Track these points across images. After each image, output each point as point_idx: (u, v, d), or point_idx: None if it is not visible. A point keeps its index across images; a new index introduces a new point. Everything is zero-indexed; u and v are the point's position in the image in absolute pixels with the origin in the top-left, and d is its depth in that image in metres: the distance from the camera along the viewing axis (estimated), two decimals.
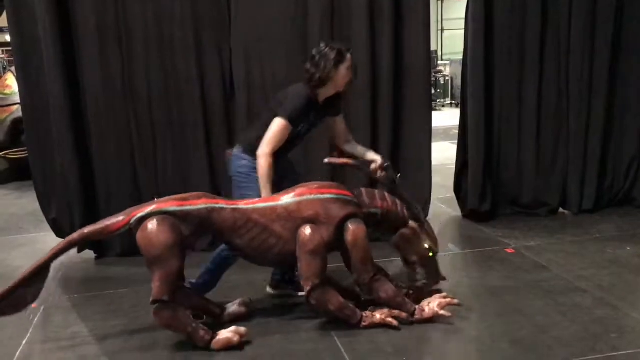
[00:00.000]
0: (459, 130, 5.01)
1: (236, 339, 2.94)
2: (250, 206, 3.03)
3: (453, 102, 14.50)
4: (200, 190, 3.16)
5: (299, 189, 3.09)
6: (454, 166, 5.11)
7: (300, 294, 3.30)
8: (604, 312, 3.22)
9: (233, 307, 3.27)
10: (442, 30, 19.64)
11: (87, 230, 2.95)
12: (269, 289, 3.62)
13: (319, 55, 3.23)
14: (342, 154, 3.48)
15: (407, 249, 3.23)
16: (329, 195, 3.06)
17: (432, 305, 3.14)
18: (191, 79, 4.31)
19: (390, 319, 3.09)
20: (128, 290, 3.77)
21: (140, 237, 2.84)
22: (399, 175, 3.44)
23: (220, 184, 4.33)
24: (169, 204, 2.90)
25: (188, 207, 2.90)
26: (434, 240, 3.27)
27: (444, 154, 6.93)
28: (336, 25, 4.37)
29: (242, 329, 3.00)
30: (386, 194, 3.22)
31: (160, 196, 3.23)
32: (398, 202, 3.20)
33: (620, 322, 3.12)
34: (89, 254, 4.41)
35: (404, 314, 3.11)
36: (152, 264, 2.83)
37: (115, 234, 2.96)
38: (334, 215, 3.02)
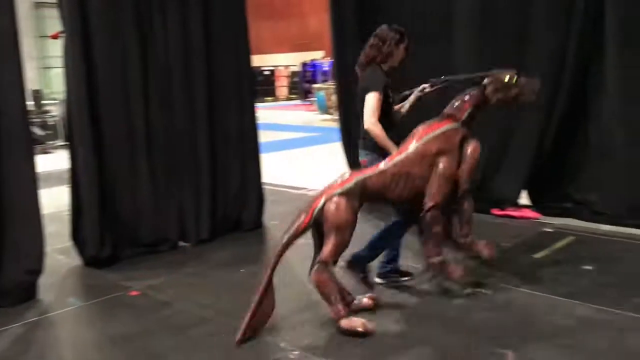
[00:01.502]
0: (70, 173, 4.71)
1: (361, 329, 3.30)
2: (390, 164, 3.60)
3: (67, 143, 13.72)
4: None
5: (417, 134, 3.72)
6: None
7: (403, 278, 4.04)
8: (234, 338, 3.36)
9: (364, 300, 3.66)
10: (47, 68, 18.48)
11: (286, 239, 3.41)
12: (377, 279, 4.02)
13: (384, 34, 3.84)
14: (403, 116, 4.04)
15: (504, 93, 3.81)
16: (443, 130, 3.71)
17: (480, 243, 3.81)
18: None
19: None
20: None
21: (328, 212, 3.35)
22: (442, 77, 4.03)
23: None
24: (333, 189, 3.41)
25: (348, 185, 3.43)
26: (502, 72, 3.82)
27: (60, 199, 6.42)
28: None
29: (371, 326, 3.34)
30: (460, 98, 3.85)
31: None
32: (469, 93, 3.85)
33: (253, 344, 3.32)
34: None
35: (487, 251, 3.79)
36: (335, 231, 3.32)
37: (307, 227, 3.44)
38: (454, 142, 3.70)
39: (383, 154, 3.73)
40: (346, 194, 3.39)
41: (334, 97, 14.79)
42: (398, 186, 3.59)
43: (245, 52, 5.53)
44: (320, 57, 23.51)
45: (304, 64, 23.30)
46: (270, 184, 6.55)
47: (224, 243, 5.21)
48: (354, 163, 6.47)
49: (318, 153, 10.49)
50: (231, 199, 5.49)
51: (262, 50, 21.59)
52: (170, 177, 5.10)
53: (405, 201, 3.68)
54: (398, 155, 3.65)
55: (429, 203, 3.63)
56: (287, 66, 25.70)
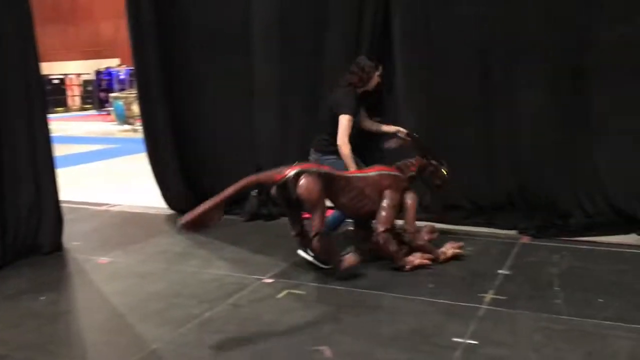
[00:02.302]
0: None
1: (358, 260, 4.18)
2: (352, 175, 4.37)
3: None
4: None
5: (377, 167, 4.50)
6: None
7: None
8: None
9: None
10: None
11: (258, 176, 4.26)
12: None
13: (363, 63, 4.66)
14: (369, 132, 4.96)
15: (434, 179, 4.71)
16: (394, 173, 4.50)
17: (448, 248, 4.51)
18: None
19: (425, 261, 4.38)
20: None
21: (301, 190, 4.01)
22: (415, 134, 4.76)
23: None
24: (310, 166, 4.20)
25: (322, 170, 4.15)
26: (444, 165, 4.70)
27: None
28: None
29: (357, 255, 4.22)
30: (411, 161, 4.64)
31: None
32: (418, 158, 4.64)
33: None
34: None
35: (432, 257, 4.42)
36: (313, 206, 4.04)
37: (276, 183, 4.10)
38: (399, 187, 4.45)
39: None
40: (317, 175, 4.07)
41: (134, 107, 14.26)
42: (350, 195, 4.28)
43: (33, 59, 5.06)
44: (116, 64, 22.42)
45: (98, 72, 22.04)
46: (69, 202, 6.09)
47: (19, 269, 4.69)
48: (160, 173, 6.30)
49: (119, 166, 10.00)
50: (24, 220, 4.98)
51: (49, 57, 19.94)
52: None
53: (349, 210, 4.42)
54: (361, 173, 4.44)
55: (380, 228, 4.31)
56: (78, 74, 24.06)
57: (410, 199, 4.48)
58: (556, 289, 3.94)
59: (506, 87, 5.47)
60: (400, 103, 5.58)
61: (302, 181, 4.01)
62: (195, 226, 3.90)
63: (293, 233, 4.35)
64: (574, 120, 5.32)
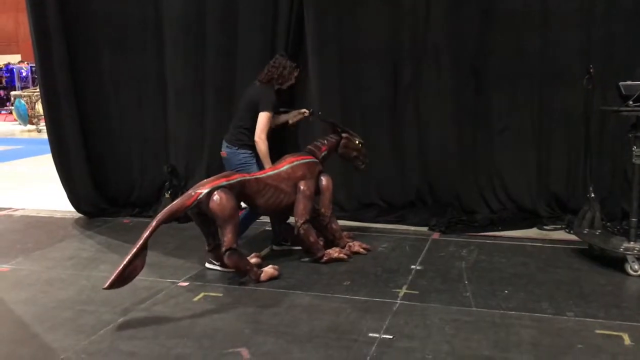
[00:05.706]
0: None
1: (277, 272, 4.23)
2: (264, 175, 4.40)
3: None
4: None
5: (289, 159, 4.55)
6: None
7: (295, 247, 4.72)
8: None
9: (253, 259, 4.40)
10: None
11: (170, 208, 4.03)
12: (274, 247, 4.90)
13: (285, 62, 4.67)
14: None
15: (348, 150, 4.81)
16: (307, 160, 4.57)
17: (356, 244, 4.74)
18: None
19: (342, 256, 4.57)
20: None
21: (214, 205, 4.00)
22: (319, 112, 4.95)
23: None
24: (220, 181, 4.12)
25: (232, 181, 4.16)
26: (356, 136, 4.83)
27: None
28: None
29: (276, 267, 4.29)
30: (321, 140, 4.78)
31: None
32: (328, 138, 4.80)
33: None
34: None
35: (349, 253, 4.64)
36: (225, 222, 4.02)
37: (189, 208, 4.03)
38: (314, 172, 4.55)
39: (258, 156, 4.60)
40: (228, 188, 4.09)
41: (38, 106, 13.52)
42: (266, 195, 4.33)
43: None
44: (17, 61, 21.19)
45: None
46: None
47: None
48: (67, 175, 6.03)
49: (22, 168, 9.48)
50: None
51: None
52: None
53: (268, 209, 4.45)
54: (272, 171, 4.44)
55: (299, 220, 4.40)
56: None
57: (325, 182, 4.60)
58: (465, 282, 4.12)
59: (414, 89, 5.66)
60: (313, 105, 5.64)
61: (215, 197, 4.02)
62: (121, 282, 3.71)
63: (207, 248, 4.32)
64: (476, 121, 5.60)
